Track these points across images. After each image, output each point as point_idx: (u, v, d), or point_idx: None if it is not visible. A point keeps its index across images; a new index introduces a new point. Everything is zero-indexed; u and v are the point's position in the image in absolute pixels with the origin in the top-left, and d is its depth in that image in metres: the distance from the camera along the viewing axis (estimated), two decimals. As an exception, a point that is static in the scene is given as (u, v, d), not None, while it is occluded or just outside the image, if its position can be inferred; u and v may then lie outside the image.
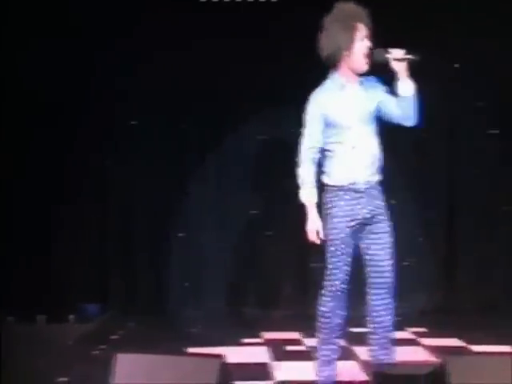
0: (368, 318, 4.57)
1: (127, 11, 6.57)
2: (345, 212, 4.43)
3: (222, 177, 6.86)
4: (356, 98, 4.51)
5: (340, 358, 5.16)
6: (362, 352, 5.51)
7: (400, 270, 6.61)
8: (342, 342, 5.77)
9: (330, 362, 4.58)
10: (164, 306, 6.73)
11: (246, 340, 5.92)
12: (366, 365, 5.20)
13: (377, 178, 4.52)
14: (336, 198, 4.46)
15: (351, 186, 4.46)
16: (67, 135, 6.66)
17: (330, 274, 4.51)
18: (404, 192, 6.65)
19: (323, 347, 4.59)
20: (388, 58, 4.48)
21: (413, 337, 6.05)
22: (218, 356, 3.73)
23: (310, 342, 5.85)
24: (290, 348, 5.71)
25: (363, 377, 4.99)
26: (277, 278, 6.75)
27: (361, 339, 5.83)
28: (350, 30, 4.45)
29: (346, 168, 4.47)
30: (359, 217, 4.44)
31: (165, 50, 6.62)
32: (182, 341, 5.69)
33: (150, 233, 6.81)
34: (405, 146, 6.70)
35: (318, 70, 4.51)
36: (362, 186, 4.46)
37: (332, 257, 4.48)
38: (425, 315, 6.52)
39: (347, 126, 4.49)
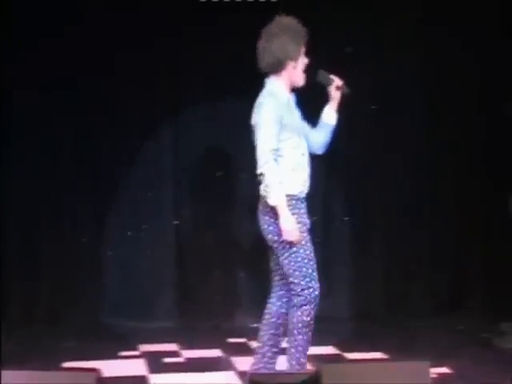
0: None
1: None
2: (299, 220, 4.43)
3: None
4: (295, 108, 4.57)
5: (218, 369, 5.16)
6: (239, 362, 5.52)
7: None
8: (220, 353, 5.80)
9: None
10: (38, 321, 6.52)
11: (123, 353, 5.80)
12: (243, 375, 5.19)
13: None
14: (291, 207, 4.43)
15: (300, 195, 4.49)
16: None
17: (309, 280, 4.50)
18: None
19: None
20: (331, 82, 4.58)
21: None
22: (94, 370, 3.64)
23: (188, 353, 5.83)
24: (167, 360, 5.63)
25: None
26: (153, 290, 6.64)
27: (239, 349, 5.88)
28: (299, 43, 4.50)
29: (298, 175, 4.49)
30: (307, 224, 4.49)
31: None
32: (57, 356, 5.53)
33: (20, 249, 6.57)
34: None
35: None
36: (304, 196, 4.51)
37: (309, 260, 4.47)
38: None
39: (297, 133, 4.51)
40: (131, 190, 6.64)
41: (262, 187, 4.43)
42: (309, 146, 4.58)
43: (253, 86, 4.62)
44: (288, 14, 4.53)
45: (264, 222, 4.49)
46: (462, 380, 5.16)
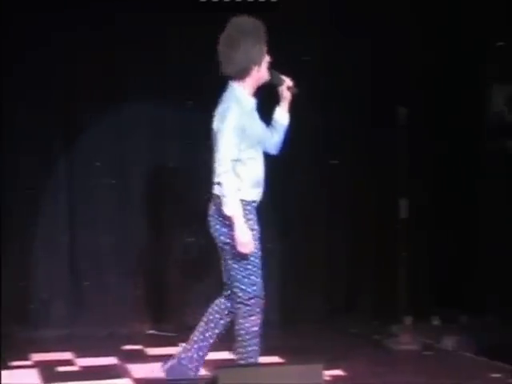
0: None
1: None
2: (252, 227, 4.44)
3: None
4: (257, 115, 4.58)
5: (113, 377, 5.05)
6: (135, 369, 5.43)
7: (175, 286, 6.67)
8: (115, 360, 5.69)
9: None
10: None
11: (15, 363, 5.62)
12: (139, 382, 5.10)
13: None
14: (247, 212, 4.44)
15: (253, 204, 4.50)
16: None
17: (256, 289, 4.49)
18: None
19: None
20: (283, 82, 4.60)
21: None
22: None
23: (83, 361, 5.70)
24: (61, 369, 5.49)
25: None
26: (45, 297, 6.47)
27: (134, 356, 5.79)
28: (261, 44, 4.47)
29: (254, 183, 4.50)
30: (258, 233, 4.52)
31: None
32: None
33: None
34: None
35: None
36: (256, 204, 4.53)
37: (258, 269, 4.47)
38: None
39: (257, 142, 4.50)
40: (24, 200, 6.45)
41: (216, 188, 4.43)
42: (265, 148, 4.62)
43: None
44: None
45: (216, 222, 4.48)
46: (353, 381, 5.22)
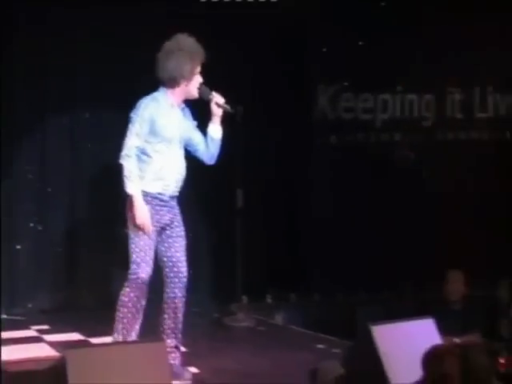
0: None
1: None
2: (154, 216, 4.64)
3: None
4: (179, 119, 4.73)
5: None
6: None
7: (24, 272, 6.58)
8: None
9: None
10: None
11: None
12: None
13: (177, 192, 4.78)
14: (154, 204, 4.67)
15: (158, 195, 4.66)
16: None
17: (136, 268, 4.64)
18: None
19: (121, 337, 4.69)
20: (211, 98, 4.79)
21: (36, 334, 5.96)
22: None
23: None
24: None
25: None
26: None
27: None
28: (194, 63, 4.69)
29: (158, 177, 4.66)
30: (162, 222, 4.67)
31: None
32: None
33: None
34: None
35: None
36: (167, 197, 4.68)
37: (141, 251, 4.62)
38: (46, 313, 6.46)
39: (168, 140, 4.66)
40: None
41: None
42: (200, 157, 4.90)
43: None
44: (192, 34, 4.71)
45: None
46: (195, 357, 5.33)
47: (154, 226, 4.68)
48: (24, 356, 5.22)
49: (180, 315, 4.90)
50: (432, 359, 3.43)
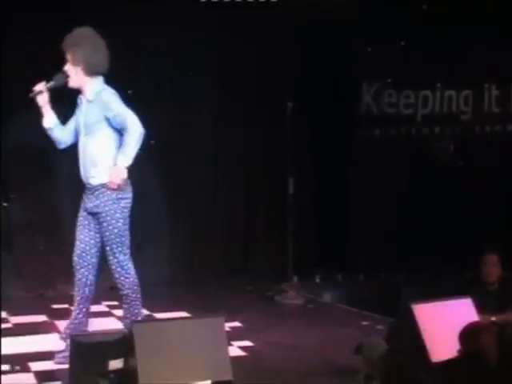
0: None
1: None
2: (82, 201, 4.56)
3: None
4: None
5: (43, 332, 5.02)
6: (63, 325, 5.41)
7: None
8: (44, 318, 5.65)
9: None
10: None
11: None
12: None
13: (95, 180, 4.47)
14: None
15: (84, 183, 4.53)
16: None
17: (75, 246, 4.65)
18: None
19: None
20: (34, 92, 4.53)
21: (107, 309, 6.01)
22: None
23: (16, 319, 5.62)
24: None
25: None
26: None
27: (62, 314, 5.75)
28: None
29: (79, 166, 4.54)
30: (87, 208, 4.53)
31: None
32: None
33: None
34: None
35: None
36: (86, 185, 4.52)
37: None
38: (114, 290, 6.50)
39: (79, 131, 4.52)
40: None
41: None
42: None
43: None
44: None
45: None
46: (250, 331, 5.33)
47: (82, 211, 4.59)
48: (96, 328, 5.28)
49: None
50: (468, 335, 3.36)
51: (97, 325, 5.40)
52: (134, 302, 4.54)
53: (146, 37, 6.43)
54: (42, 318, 5.66)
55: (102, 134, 4.44)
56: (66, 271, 6.46)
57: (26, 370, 4.49)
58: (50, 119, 4.54)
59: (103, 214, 4.46)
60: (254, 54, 6.81)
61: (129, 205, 4.53)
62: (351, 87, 7.27)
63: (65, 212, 6.53)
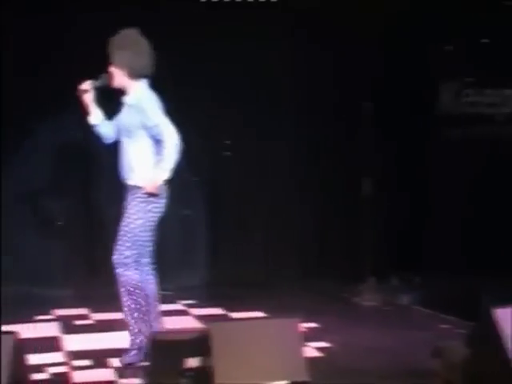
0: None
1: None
2: None
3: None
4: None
5: (123, 329, 5.08)
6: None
7: (173, 251, 6.72)
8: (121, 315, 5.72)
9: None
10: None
11: (39, 317, 5.67)
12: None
13: (131, 181, 4.53)
14: None
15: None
16: None
17: None
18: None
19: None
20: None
21: (183, 308, 6.07)
22: (11, 332, 3.55)
23: (97, 316, 5.75)
24: (78, 322, 5.54)
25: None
26: (64, 262, 6.49)
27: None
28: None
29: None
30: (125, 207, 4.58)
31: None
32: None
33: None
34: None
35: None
36: (126, 185, 4.57)
37: None
38: (192, 289, 6.56)
39: (121, 132, 4.57)
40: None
41: None
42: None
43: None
44: None
45: None
46: (326, 332, 5.28)
47: None
48: (173, 327, 5.34)
49: None
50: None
51: (173, 323, 5.48)
52: (130, 296, 4.53)
53: (220, 39, 6.49)
54: (118, 315, 5.75)
55: (140, 140, 4.49)
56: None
57: (107, 365, 4.57)
58: (95, 116, 4.61)
59: (129, 208, 4.52)
60: (330, 54, 6.76)
61: (156, 210, 4.52)
62: (430, 86, 7.14)
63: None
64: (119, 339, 4.83)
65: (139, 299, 4.53)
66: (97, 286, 6.35)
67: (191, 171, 6.75)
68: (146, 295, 4.58)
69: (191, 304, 6.16)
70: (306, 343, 4.27)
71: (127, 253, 4.49)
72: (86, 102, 4.58)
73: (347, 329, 5.42)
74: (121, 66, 4.48)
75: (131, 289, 4.51)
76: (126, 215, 4.50)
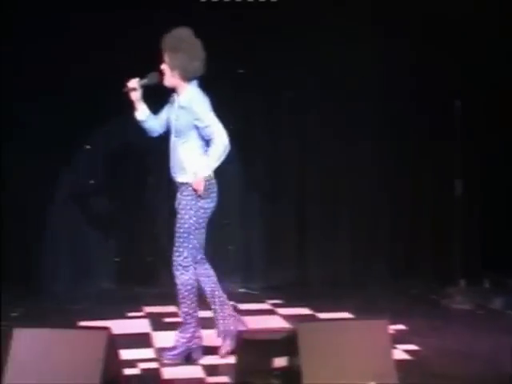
0: None
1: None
2: None
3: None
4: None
5: (211, 327, 5.15)
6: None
7: (260, 251, 6.76)
8: (212, 313, 5.78)
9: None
10: (56, 286, 6.49)
11: (130, 314, 5.80)
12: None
13: (181, 179, 4.59)
14: None
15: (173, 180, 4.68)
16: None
17: None
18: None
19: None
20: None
21: (270, 307, 6.09)
22: (105, 328, 3.65)
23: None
24: (168, 319, 5.64)
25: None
26: (154, 261, 6.61)
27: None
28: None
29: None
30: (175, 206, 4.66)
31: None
32: (73, 316, 5.53)
33: (39, 219, 6.46)
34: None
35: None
36: (175, 183, 4.63)
37: None
38: (279, 289, 6.57)
39: (171, 131, 4.65)
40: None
41: None
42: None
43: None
44: None
45: None
46: (415, 335, 5.20)
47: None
48: (260, 326, 5.37)
49: None
50: None
51: (261, 323, 5.52)
52: (183, 300, 4.61)
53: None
54: (208, 313, 5.82)
55: (191, 141, 4.55)
56: (231, 269, 6.68)
57: (195, 363, 4.64)
58: (142, 112, 4.66)
59: (180, 208, 4.57)
60: (420, 52, 6.66)
61: (207, 206, 4.57)
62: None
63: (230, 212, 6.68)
64: (207, 337, 4.89)
65: (193, 304, 4.63)
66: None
67: (278, 171, 6.80)
68: (206, 293, 4.70)
69: (278, 304, 6.18)
70: (394, 345, 4.22)
71: (185, 253, 4.57)
72: (134, 99, 4.64)
73: (437, 332, 5.32)
74: (173, 68, 4.54)
75: (186, 292, 4.59)
76: (179, 215, 4.58)
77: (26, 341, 3.56)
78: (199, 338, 4.68)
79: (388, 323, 3.94)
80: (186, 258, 4.56)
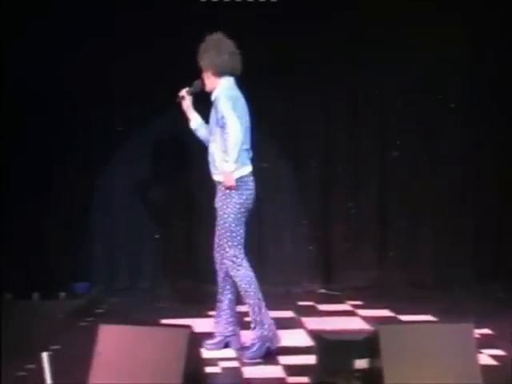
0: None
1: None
2: None
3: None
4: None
5: (290, 327, 5.16)
6: (308, 322, 5.53)
7: (341, 252, 6.72)
8: (291, 314, 5.80)
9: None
10: (140, 284, 6.63)
11: (210, 312, 5.85)
12: (311, 332, 5.20)
13: (215, 177, 4.69)
14: None
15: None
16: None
17: None
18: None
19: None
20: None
21: (351, 309, 6.05)
22: (187, 326, 3.70)
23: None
24: (246, 319, 5.65)
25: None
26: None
27: (308, 311, 5.89)
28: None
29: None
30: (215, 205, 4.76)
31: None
32: (155, 314, 5.62)
33: (127, 218, 6.60)
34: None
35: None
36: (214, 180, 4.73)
37: None
38: (360, 290, 6.52)
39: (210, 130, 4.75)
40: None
41: None
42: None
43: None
44: None
45: None
46: (502, 340, 5.07)
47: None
48: (340, 327, 5.34)
49: None
50: None
51: (341, 324, 5.49)
52: (246, 293, 4.67)
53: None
54: (288, 313, 5.82)
55: (218, 137, 4.64)
56: (311, 268, 6.67)
57: (275, 363, 4.65)
58: (194, 121, 4.83)
59: (218, 208, 4.68)
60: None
61: (243, 201, 4.62)
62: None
63: (309, 210, 6.65)
64: (288, 338, 4.89)
65: (258, 295, 4.68)
66: (263, 285, 6.48)
67: (358, 170, 6.74)
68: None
69: (359, 305, 6.13)
70: (479, 350, 4.12)
71: (232, 251, 4.63)
72: (184, 108, 4.82)
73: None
74: (206, 67, 4.68)
75: (246, 285, 4.66)
76: (218, 216, 4.67)
77: (110, 337, 3.64)
78: (272, 328, 4.71)
79: (473, 327, 3.86)
80: (234, 256, 4.64)
